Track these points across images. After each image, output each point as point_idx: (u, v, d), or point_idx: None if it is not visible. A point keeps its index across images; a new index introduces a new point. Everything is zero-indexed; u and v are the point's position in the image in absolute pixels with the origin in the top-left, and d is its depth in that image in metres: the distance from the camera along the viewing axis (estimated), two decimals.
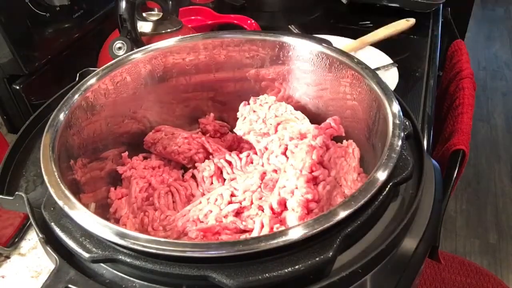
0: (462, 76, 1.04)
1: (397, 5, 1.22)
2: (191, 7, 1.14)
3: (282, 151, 0.59)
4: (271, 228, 0.48)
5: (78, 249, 0.39)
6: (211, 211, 0.52)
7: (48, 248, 0.41)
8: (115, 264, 0.40)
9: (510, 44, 2.95)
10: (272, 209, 0.51)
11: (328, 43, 0.61)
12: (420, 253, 0.44)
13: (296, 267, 0.36)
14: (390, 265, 0.41)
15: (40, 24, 0.77)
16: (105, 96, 0.57)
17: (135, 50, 0.61)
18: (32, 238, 0.63)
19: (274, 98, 0.66)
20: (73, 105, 0.52)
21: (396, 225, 0.42)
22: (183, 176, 0.63)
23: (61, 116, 0.50)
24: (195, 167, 0.62)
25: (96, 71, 0.57)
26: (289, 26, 1.16)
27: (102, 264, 0.40)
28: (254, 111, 0.65)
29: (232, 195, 0.54)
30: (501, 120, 2.34)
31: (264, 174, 0.57)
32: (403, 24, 1.08)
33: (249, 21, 1.05)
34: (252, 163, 0.62)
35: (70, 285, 0.37)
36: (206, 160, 0.62)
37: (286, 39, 0.62)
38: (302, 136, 0.59)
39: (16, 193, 0.45)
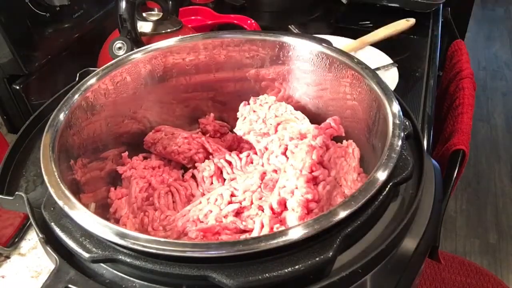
0: (462, 76, 1.04)
1: (397, 5, 1.22)
2: (191, 7, 1.14)
3: (282, 151, 0.59)
4: (271, 228, 0.48)
5: (78, 249, 0.39)
6: (211, 211, 0.52)
7: (48, 248, 0.41)
8: (115, 264, 0.40)
9: (510, 44, 2.95)
10: (272, 209, 0.51)
11: (328, 43, 0.61)
12: (420, 253, 0.44)
13: (296, 267, 0.36)
14: (390, 265, 0.41)
15: (40, 24, 0.77)
16: (105, 96, 0.57)
17: (135, 50, 0.61)
18: (32, 238, 0.63)
19: (274, 98, 0.66)
20: (73, 105, 0.52)
21: (396, 225, 0.42)
22: (183, 176, 0.63)
23: (61, 116, 0.50)
24: (195, 167, 0.62)
25: (96, 71, 0.57)
26: (289, 26, 1.16)
27: (102, 264, 0.40)
28: (254, 111, 0.65)
29: (232, 195, 0.54)
30: (501, 120, 2.34)
31: (264, 174, 0.57)
32: (403, 24, 1.08)
33: (249, 21, 1.05)
34: (252, 163, 0.62)
35: (70, 285, 0.37)
36: (206, 160, 0.62)
37: (286, 39, 0.62)
38: (302, 136, 0.59)
39: (16, 193, 0.45)
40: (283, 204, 0.50)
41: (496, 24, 3.18)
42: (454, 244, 1.74)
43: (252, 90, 0.67)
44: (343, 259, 0.40)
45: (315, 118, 0.64)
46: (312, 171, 0.53)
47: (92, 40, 0.89)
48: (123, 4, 0.74)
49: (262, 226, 0.48)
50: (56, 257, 0.39)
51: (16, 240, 0.62)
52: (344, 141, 0.57)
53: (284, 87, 0.66)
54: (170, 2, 0.83)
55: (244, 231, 0.50)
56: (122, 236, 0.37)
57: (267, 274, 0.35)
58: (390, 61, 0.98)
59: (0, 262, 0.60)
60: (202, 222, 0.51)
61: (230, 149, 0.67)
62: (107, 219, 0.41)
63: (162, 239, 0.36)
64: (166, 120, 0.66)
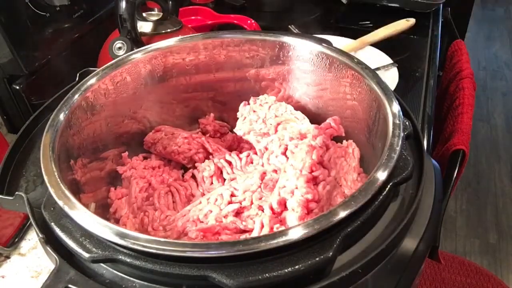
0: (462, 76, 1.04)
1: (397, 5, 1.22)
2: (191, 7, 1.14)
3: (282, 151, 0.59)
4: (271, 228, 0.48)
5: (78, 249, 0.39)
6: (211, 211, 0.52)
7: (48, 248, 0.41)
8: (115, 264, 0.40)
9: (510, 44, 2.95)
10: (272, 209, 0.51)
11: (328, 43, 0.61)
12: (420, 253, 0.44)
13: (296, 267, 0.36)
14: (390, 265, 0.41)
15: (40, 24, 0.77)
16: (105, 96, 0.57)
17: (135, 50, 0.61)
18: (32, 238, 0.63)
19: (274, 98, 0.66)
20: (73, 105, 0.52)
21: (396, 225, 0.42)
22: (183, 176, 0.63)
23: (61, 116, 0.50)
24: (195, 167, 0.62)
25: (96, 71, 0.57)
26: (289, 26, 1.16)
27: (102, 264, 0.40)
28: (254, 111, 0.65)
29: (232, 195, 0.54)
30: (501, 120, 2.34)
31: (264, 174, 0.57)
32: (403, 24, 1.08)
33: (249, 21, 1.05)
34: (252, 163, 0.62)
35: (70, 285, 0.37)
36: (206, 160, 0.62)
37: (286, 39, 0.62)
38: (302, 136, 0.59)
39: (16, 193, 0.45)
40: (283, 204, 0.50)
41: (496, 24, 3.18)
42: (454, 244, 1.74)
43: (252, 90, 0.67)
44: (343, 259, 0.40)
45: (315, 118, 0.64)
46: (312, 171, 0.53)
47: (92, 40, 0.89)
48: (123, 4, 0.74)
49: (262, 226, 0.48)
50: (56, 257, 0.39)
51: (16, 240, 0.62)
52: (344, 141, 0.57)
53: (284, 87, 0.66)
54: (170, 2, 0.83)
55: (244, 231, 0.50)
56: (122, 236, 0.37)
57: (267, 274, 0.35)
58: (390, 61, 0.98)
59: (0, 262, 0.60)
60: (202, 222, 0.51)
61: (230, 149, 0.67)
62: (107, 219, 0.41)
63: (162, 239, 0.36)
64: (166, 120, 0.66)
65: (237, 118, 0.66)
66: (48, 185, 0.42)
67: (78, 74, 0.60)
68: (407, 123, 0.50)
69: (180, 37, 0.63)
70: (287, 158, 0.58)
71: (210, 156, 0.64)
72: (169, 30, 0.83)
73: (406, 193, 0.47)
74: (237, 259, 0.36)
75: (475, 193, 1.94)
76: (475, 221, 1.83)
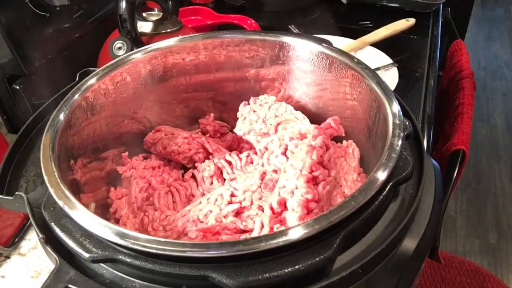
0: (462, 76, 1.04)
1: (397, 5, 1.22)
2: (191, 7, 1.14)
3: (282, 151, 0.59)
4: (271, 228, 0.48)
5: (78, 249, 0.39)
6: (211, 211, 0.52)
7: (48, 248, 0.41)
8: (115, 264, 0.40)
9: (510, 44, 2.95)
10: (272, 209, 0.50)
11: (328, 43, 0.61)
12: (420, 253, 0.44)
13: (296, 267, 0.36)
14: (390, 265, 0.41)
15: (40, 24, 0.77)
16: (105, 96, 0.57)
17: (135, 50, 0.61)
18: (32, 238, 0.63)
19: (274, 98, 0.66)
20: (73, 105, 0.52)
21: (396, 225, 0.42)
22: (183, 176, 0.63)
23: (61, 116, 0.50)
24: (195, 167, 0.62)
25: (96, 71, 0.57)
26: (289, 26, 1.16)
27: (102, 264, 0.40)
28: (254, 111, 0.65)
29: (232, 195, 0.54)
30: (501, 120, 2.34)
31: (264, 174, 0.57)
32: (403, 24, 1.08)
33: (249, 21, 1.05)
34: (252, 163, 0.62)
35: (70, 285, 0.37)
36: (206, 160, 0.62)
37: (286, 39, 0.62)
38: (302, 136, 0.59)
39: (16, 193, 0.45)
40: (283, 204, 0.50)
41: (496, 24, 3.18)
42: (454, 244, 1.74)
43: (252, 90, 0.67)
44: (343, 259, 0.40)
45: (315, 118, 0.64)
46: (312, 171, 0.53)
47: (92, 40, 0.89)
48: (123, 4, 0.74)
49: (262, 226, 0.48)
50: (56, 257, 0.39)
51: (16, 240, 0.62)
52: (344, 141, 0.57)
53: (284, 87, 0.66)
54: (170, 2, 0.83)
55: (244, 231, 0.50)
56: (122, 236, 0.37)
57: (267, 274, 0.35)
58: (390, 61, 0.98)
59: (0, 262, 0.60)
60: (202, 222, 0.51)
61: (230, 149, 0.67)
62: (107, 219, 0.41)
63: (162, 239, 0.36)
64: (166, 120, 0.66)
65: (237, 118, 0.66)
66: (48, 185, 0.42)
67: (78, 74, 0.60)
68: (407, 123, 0.50)
69: (180, 37, 0.63)
70: (287, 158, 0.58)
71: (210, 156, 0.64)
72: (169, 30, 0.83)
73: (406, 193, 0.47)
74: (237, 259, 0.36)
75: (475, 193, 1.94)
76: (475, 221, 1.83)
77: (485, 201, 1.91)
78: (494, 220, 1.82)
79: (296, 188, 0.51)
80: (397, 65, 0.97)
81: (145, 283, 0.39)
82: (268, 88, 0.67)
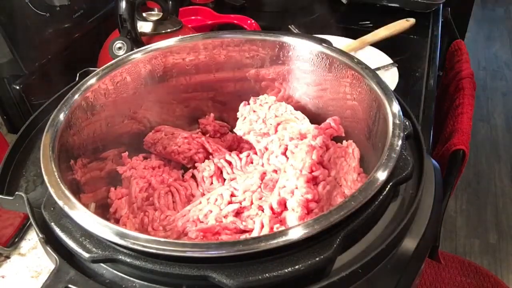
0: (462, 76, 1.04)
1: (397, 5, 1.22)
2: (191, 7, 1.14)
3: (282, 151, 0.59)
4: (271, 228, 0.48)
5: (78, 249, 0.39)
6: (211, 211, 0.52)
7: (48, 248, 0.41)
8: (115, 264, 0.40)
9: (510, 44, 2.95)
10: (272, 209, 0.51)
11: (328, 43, 0.61)
12: (420, 253, 0.44)
13: (296, 267, 0.36)
14: (390, 265, 0.41)
15: (40, 24, 0.77)
16: (105, 96, 0.57)
17: (135, 50, 0.61)
18: (32, 238, 0.63)
19: (274, 98, 0.66)
20: (73, 105, 0.52)
21: (396, 225, 0.42)
22: (183, 176, 0.63)
23: (61, 116, 0.50)
24: (195, 167, 0.62)
25: (96, 71, 0.57)
26: (289, 26, 1.16)
27: (102, 264, 0.40)
28: (254, 111, 0.65)
29: (232, 195, 0.54)
30: (501, 120, 2.34)
31: (264, 174, 0.57)
32: (403, 24, 1.08)
33: (249, 21, 1.05)
34: (252, 163, 0.62)
35: (70, 285, 0.37)
36: (206, 160, 0.62)
37: (286, 39, 0.62)
38: (302, 136, 0.59)
39: (16, 193, 0.45)
40: (283, 204, 0.50)
41: (496, 24, 3.18)
42: (454, 244, 1.74)
43: (252, 90, 0.67)
44: (343, 259, 0.40)
45: (315, 118, 0.64)
46: (312, 171, 0.53)
47: (92, 40, 0.89)
48: (123, 4, 0.74)
49: (262, 226, 0.48)
50: (56, 257, 0.39)
51: (16, 240, 0.62)
52: (344, 141, 0.57)
53: (284, 87, 0.66)
54: (170, 2, 0.83)
55: (244, 231, 0.50)
56: (122, 236, 0.37)
57: (267, 274, 0.35)
58: (390, 61, 0.98)
59: (0, 262, 0.60)
60: (202, 222, 0.51)
61: (230, 149, 0.67)
62: (107, 219, 0.41)
63: (162, 239, 0.36)
64: (166, 120, 0.66)
65: (237, 118, 0.66)
66: (48, 185, 0.42)
67: (78, 74, 0.60)
68: (407, 123, 0.50)
69: (180, 37, 0.63)
70: (287, 158, 0.58)
71: (210, 156, 0.63)
72: (169, 30, 0.83)
73: (406, 193, 0.47)
74: (237, 259, 0.36)
75: (475, 193, 1.94)
76: (475, 221, 1.83)
77: (485, 201, 1.90)
78: (494, 220, 1.82)
79: (296, 188, 0.51)
80: (397, 65, 0.97)
81: (145, 283, 0.39)
82: (268, 88, 0.67)
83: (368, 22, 1.19)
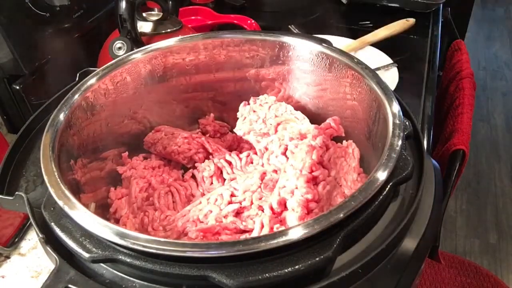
0: (462, 76, 1.04)
1: (397, 5, 1.22)
2: (191, 7, 1.14)
3: (282, 151, 0.59)
4: (271, 228, 0.48)
5: (78, 249, 0.39)
6: (211, 211, 0.52)
7: (48, 248, 0.41)
8: (115, 264, 0.40)
9: (510, 44, 2.95)
10: (272, 209, 0.50)
11: (328, 43, 0.61)
12: (420, 253, 0.44)
13: (296, 267, 0.36)
14: (390, 265, 0.41)
15: (40, 24, 0.77)
16: (105, 96, 0.57)
17: (135, 50, 0.61)
18: (32, 238, 0.63)
19: (274, 98, 0.66)
20: (73, 105, 0.52)
21: (396, 225, 0.42)
22: (183, 176, 0.63)
23: (61, 116, 0.50)
24: (195, 167, 0.62)
25: (96, 71, 0.57)
26: (289, 26, 1.16)
27: (102, 264, 0.40)
28: (254, 111, 0.65)
29: (232, 195, 0.54)
30: (501, 120, 2.34)
31: (264, 174, 0.57)
32: (403, 24, 1.08)
33: (249, 21, 1.05)
34: (252, 163, 0.62)
35: (70, 285, 0.37)
36: (206, 160, 0.62)
37: (286, 39, 0.62)
38: (302, 136, 0.59)
39: (16, 193, 0.45)
40: (283, 204, 0.50)
41: (496, 24, 3.18)
42: (454, 244, 1.74)
43: (252, 90, 0.67)
44: (343, 259, 0.40)
45: (315, 118, 0.64)
46: (312, 171, 0.53)
47: (92, 40, 0.89)
48: (123, 4, 0.74)
49: (262, 226, 0.48)
50: (56, 257, 0.39)
51: (16, 240, 0.62)
52: (344, 141, 0.57)
53: (284, 87, 0.66)
54: (170, 2, 0.83)
55: (244, 231, 0.50)
56: (122, 236, 0.37)
57: (267, 274, 0.35)
58: (390, 61, 0.98)
59: (0, 262, 0.60)
60: (202, 222, 0.51)
61: (230, 149, 0.67)
62: (107, 219, 0.41)
63: (162, 239, 0.36)
64: (166, 120, 0.66)
65: (237, 118, 0.66)
66: (48, 185, 0.42)
67: (78, 74, 0.60)
68: (407, 123, 0.50)
69: (180, 37, 0.63)
70: (287, 158, 0.58)
71: (210, 156, 0.63)
72: (169, 30, 0.83)
73: (406, 193, 0.47)
74: (237, 259, 0.36)
75: (475, 193, 1.94)
76: (475, 221, 1.83)
77: (485, 201, 1.90)
78: (494, 220, 1.82)
79: (296, 188, 0.51)
80: (397, 65, 0.97)
81: (145, 283, 0.39)
82: (268, 88, 0.67)
83: (368, 22, 1.19)
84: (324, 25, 1.23)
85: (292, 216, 0.48)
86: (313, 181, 0.52)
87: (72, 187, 0.46)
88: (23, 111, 0.78)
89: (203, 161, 0.62)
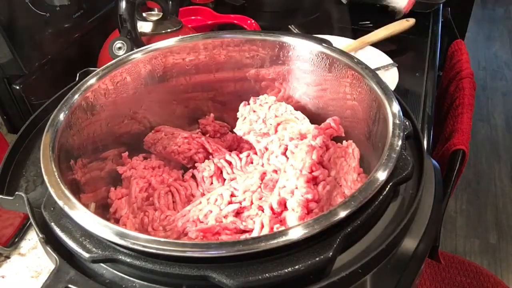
0: (462, 76, 1.04)
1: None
2: (191, 7, 1.14)
3: (282, 151, 0.59)
4: (271, 228, 0.48)
5: (78, 249, 0.39)
6: (211, 211, 0.52)
7: (48, 248, 0.41)
8: (115, 264, 0.40)
9: (510, 44, 2.95)
10: (272, 209, 0.50)
11: (328, 43, 0.61)
12: (420, 253, 0.44)
13: (296, 267, 0.36)
14: (390, 265, 0.41)
15: (40, 24, 0.77)
16: (105, 96, 0.57)
17: (135, 50, 0.61)
18: (32, 238, 0.63)
19: (274, 98, 0.66)
20: (73, 105, 0.52)
21: (396, 225, 0.42)
22: (183, 176, 0.63)
23: (61, 116, 0.50)
24: (195, 167, 0.62)
25: (96, 71, 0.57)
26: (289, 26, 1.16)
27: (102, 264, 0.40)
28: (254, 111, 0.65)
29: (232, 195, 0.54)
30: (501, 120, 2.34)
31: (264, 174, 0.57)
32: (403, 24, 1.08)
33: (249, 21, 1.05)
34: (252, 163, 0.62)
35: (70, 285, 0.37)
36: (206, 160, 0.62)
37: (286, 39, 0.62)
38: (302, 136, 0.59)
39: (16, 193, 0.45)
40: (283, 204, 0.50)
41: (496, 24, 3.18)
42: (454, 244, 1.74)
43: (252, 90, 0.67)
44: (343, 259, 0.40)
45: (315, 118, 0.64)
46: (312, 171, 0.53)
47: (92, 40, 0.89)
48: (123, 4, 0.74)
49: (262, 226, 0.48)
50: (56, 257, 0.39)
51: (16, 240, 0.62)
52: (344, 141, 0.57)
53: (284, 87, 0.66)
54: (170, 2, 0.83)
55: (244, 231, 0.50)
56: (122, 236, 0.37)
57: (267, 274, 0.35)
58: (390, 61, 0.98)
59: (0, 262, 0.60)
60: (202, 222, 0.51)
61: (230, 149, 0.67)
62: (107, 219, 0.41)
63: (162, 239, 0.36)
64: (166, 120, 0.66)
65: (237, 118, 0.66)
66: (48, 185, 0.42)
67: (78, 74, 0.60)
68: (407, 123, 0.50)
69: (180, 37, 0.63)
70: (287, 158, 0.58)
71: (210, 156, 0.63)
72: (169, 30, 0.83)
73: (406, 193, 0.47)
74: (237, 259, 0.36)
75: (475, 193, 1.94)
76: (475, 221, 1.83)
77: (485, 201, 1.91)
78: (494, 220, 1.82)
79: (296, 188, 0.51)
80: (397, 65, 0.97)
81: (145, 283, 0.39)
82: (268, 88, 0.67)
83: (368, 22, 1.19)
84: (324, 25, 1.23)
85: (292, 216, 0.48)
86: (313, 181, 0.52)
87: (72, 187, 0.46)
88: (23, 111, 0.78)
89: (203, 161, 0.62)
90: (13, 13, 0.72)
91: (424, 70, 1.01)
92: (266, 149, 0.61)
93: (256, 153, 0.63)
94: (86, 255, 0.38)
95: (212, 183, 0.60)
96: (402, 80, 0.92)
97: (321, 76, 0.61)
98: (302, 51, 0.62)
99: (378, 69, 0.95)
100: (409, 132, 0.49)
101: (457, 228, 1.80)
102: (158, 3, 0.83)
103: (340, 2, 1.29)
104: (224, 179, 0.60)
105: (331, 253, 0.37)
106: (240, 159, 0.62)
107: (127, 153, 0.60)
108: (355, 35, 1.07)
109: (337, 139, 0.58)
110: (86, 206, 0.40)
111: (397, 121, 0.47)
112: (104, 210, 0.54)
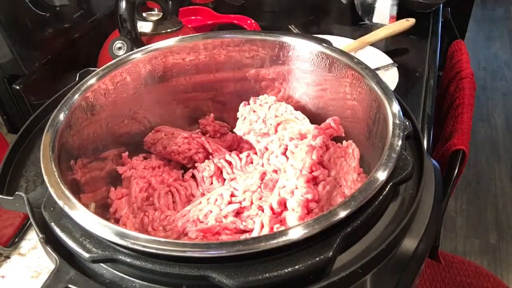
0: (462, 76, 1.04)
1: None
2: (191, 7, 1.14)
3: (282, 151, 0.59)
4: (271, 228, 0.48)
5: (78, 249, 0.39)
6: (211, 211, 0.52)
7: (48, 248, 0.41)
8: (115, 264, 0.40)
9: (510, 44, 2.95)
10: (272, 209, 0.50)
11: (328, 43, 0.61)
12: (420, 253, 0.44)
13: (296, 267, 0.36)
14: (390, 265, 0.41)
15: (40, 24, 0.77)
16: (105, 96, 0.57)
17: (135, 50, 0.61)
18: (32, 238, 0.63)
19: (274, 98, 0.66)
20: (73, 105, 0.52)
21: (396, 225, 0.42)
22: (183, 176, 0.63)
23: (61, 116, 0.50)
24: (195, 167, 0.62)
25: (96, 71, 0.57)
26: (289, 26, 1.16)
27: (102, 264, 0.40)
28: (254, 111, 0.65)
29: (232, 195, 0.54)
30: (501, 120, 2.34)
31: (264, 174, 0.57)
32: (403, 24, 1.08)
33: (249, 21, 1.05)
34: (252, 163, 0.62)
35: (70, 285, 0.37)
36: (206, 160, 0.62)
37: (286, 39, 0.62)
38: (302, 136, 0.59)
39: (16, 193, 0.45)
40: (283, 204, 0.50)
41: (496, 24, 3.18)
42: (454, 244, 1.74)
43: (252, 90, 0.67)
44: (343, 259, 0.40)
45: (315, 118, 0.64)
46: (312, 171, 0.53)
47: (92, 40, 0.89)
48: (123, 4, 0.74)
49: (262, 226, 0.48)
50: (56, 257, 0.39)
51: (16, 240, 0.62)
52: (344, 141, 0.57)
53: (284, 87, 0.66)
54: (170, 2, 0.83)
55: (244, 231, 0.50)
56: (122, 236, 0.37)
57: (267, 274, 0.35)
58: (390, 61, 0.98)
59: (0, 262, 0.60)
60: (202, 222, 0.51)
61: (230, 149, 0.67)
62: (107, 219, 0.41)
63: (162, 239, 0.36)
64: (166, 120, 0.66)
65: (237, 118, 0.66)
66: (48, 185, 0.42)
67: (78, 74, 0.60)
68: (407, 123, 0.50)
69: (180, 37, 0.63)
70: (287, 158, 0.58)
71: (210, 156, 0.63)
72: (169, 30, 0.83)
73: (406, 193, 0.47)
74: (237, 259, 0.36)
75: (475, 193, 1.94)
76: (475, 221, 1.83)
77: (485, 201, 1.91)
78: (494, 220, 1.82)
79: (296, 188, 0.51)
80: (397, 65, 0.97)
81: (145, 283, 0.39)
82: (268, 88, 0.67)
83: (368, 22, 1.19)
84: (324, 25, 1.23)
85: (292, 216, 0.48)
86: (313, 181, 0.52)
87: (72, 187, 0.46)
88: (23, 111, 0.78)
89: (203, 161, 0.62)
90: (13, 13, 0.72)
91: (424, 70, 1.01)
92: (266, 149, 0.61)
93: (256, 153, 0.63)
94: (86, 255, 0.38)
95: (212, 183, 0.60)
96: (402, 80, 0.92)
97: (321, 76, 0.61)
98: (302, 51, 0.62)
99: (378, 69, 0.95)
100: (409, 132, 0.49)
101: (457, 228, 1.80)
102: (158, 3, 0.83)
103: (340, 2, 1.29)
104: (224, 179, 0.60)
105: (331, 253, 0.36)
106: (240, 159, 0.62)
107: (127, 153, 0.60)
108: (355, 35, 1.06)
109: (337, 139, 0.58)
110: (86, 206, 0.40)
111: (397, 121, 0.47)
112: (104, 210, 0.54)
